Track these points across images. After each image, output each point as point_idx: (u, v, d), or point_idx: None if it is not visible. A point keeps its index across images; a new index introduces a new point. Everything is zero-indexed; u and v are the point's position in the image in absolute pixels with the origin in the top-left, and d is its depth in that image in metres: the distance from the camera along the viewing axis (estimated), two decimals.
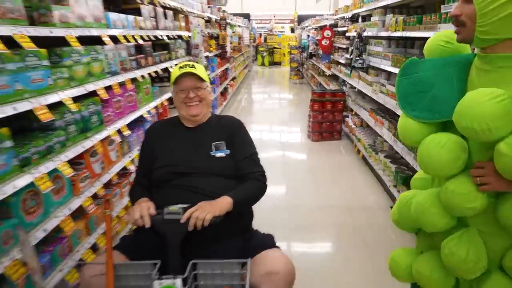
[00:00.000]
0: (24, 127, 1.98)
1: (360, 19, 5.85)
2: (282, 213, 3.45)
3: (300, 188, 4.06)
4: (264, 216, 3.15)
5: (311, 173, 4.61)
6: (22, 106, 1.64)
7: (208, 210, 1.50)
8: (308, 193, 3.94)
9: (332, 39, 8.21)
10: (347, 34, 6.67)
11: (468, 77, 1.19)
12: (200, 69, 1.81)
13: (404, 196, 1.41)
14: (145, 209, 1.54)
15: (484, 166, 1.08)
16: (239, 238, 1.71)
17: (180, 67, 1.79)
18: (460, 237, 1.18)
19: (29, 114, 1.78)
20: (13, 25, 1.62)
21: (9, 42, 1.58)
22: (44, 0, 1.94)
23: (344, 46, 6.90)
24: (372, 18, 4.81)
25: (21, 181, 1.63)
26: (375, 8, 4.57)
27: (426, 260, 1.33)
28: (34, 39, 1.73)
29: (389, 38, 4.22)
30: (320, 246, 3.01)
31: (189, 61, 4.48)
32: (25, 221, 1.71)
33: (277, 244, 1.75)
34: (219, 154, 1.75)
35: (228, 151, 1.77)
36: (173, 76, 1.80)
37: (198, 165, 1.71)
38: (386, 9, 4.32)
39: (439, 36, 1.32)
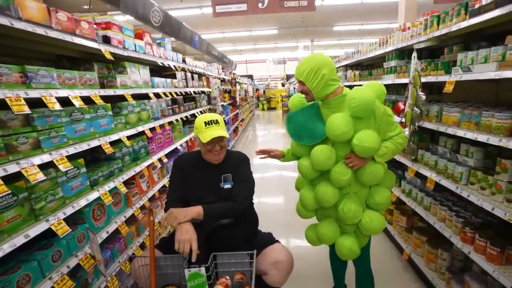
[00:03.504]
0: (95, 157, 2.01)
1: None
2: (279, 214, 3.41)
3: (292, 197, 4.01)
4: (268, 216, 3.12)
5: None
6: (94, 143, 1.69)
7: (174, 218, 1.39)
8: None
9: None
10: None
11: (322, 113, 1.55)
12: (222, 125, 1.58)
13: (303, 194, 1.66)
14: (194, 243, 1.34)
15: (351, 156, 1.44)
16: (247, 244, 1.61)
17: (206, 123, 1.52)
18: (348, 199, 1.49)
19: (99, 148, 1.83)
20: (90, 89, 1.72)
21: (85, 100, 1.66)
22: (111, 72, 2.05)
23: None
24: (338, 74, 4.94)
25: (92, 196, 1.65)
26: (339, 66, 4.74)
27: (321, 225, 1.62)
28: (103, 98, 1.80)
29: (349, 87, 4.32)
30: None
31: (210, 112, 4.45)
32: (94, 225, 1.71)
33: (276, 238, 1.69)
34: (227, 186, 1.59)
35: (232, 183, 1.60)
36: (203, 134, 1.51)
37: (211, 194, 1.58)
38: (347, 66, 4.48)
39: (296, 96, 1.68)
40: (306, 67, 1.43)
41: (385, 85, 1.71)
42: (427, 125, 2.03)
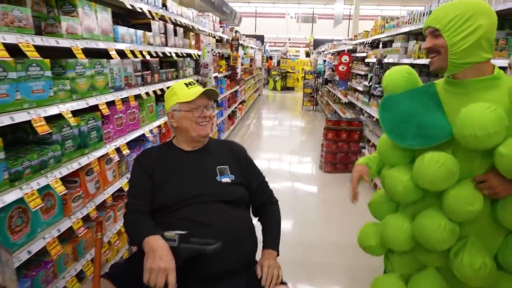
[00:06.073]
0: (19, 139, 2.00)
1: (380, 45, 5.96)
2: (290, 250, 3.38)
3: (310, 224, 3.99)
4: None
5: (323, 207, 4.55)
6: (20, 117, 1.67)
7: (277, 266, 1.67)
8: (319, 230, 3.85)
9: (350, 64, 8.33)
10: (366, 60, 6.77)
11: (441, 101, 1.46)
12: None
13: (394, 224, 1.59)
14: (171, 275, 1.38)
15: (487, 179, 1.32)
16: (244, 273, 1.66)
17: (188, 84, 1.79)
18: (472, 246, 1.38)
19: (26, 126, 1.81)
20: (19, 34, 1.68)
21: (12, 50, 1.62)
22: (53, 11, 2.02)
23: (363, 73, 6.99)
24: (393, 44, 4.90)
25: (10, 196, 1.62)
26: (397, 34, 4.66)
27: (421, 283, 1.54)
28: (40, 49, 1.78)
29: (411, 66, 4.26)
30: None
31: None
32: (9, 240, 1.69)
33: (284, 280, 1.71)
34: (225, 180, 1.73)
35: (233, 177, 1.76)
36: (187, 94, 1.74)
37: (208, 193, 1.68)
38: (409, 35, 4.39)
39: (401, 70, 1.62)
40: (451, 10, 1.35)
41: None
42: None
